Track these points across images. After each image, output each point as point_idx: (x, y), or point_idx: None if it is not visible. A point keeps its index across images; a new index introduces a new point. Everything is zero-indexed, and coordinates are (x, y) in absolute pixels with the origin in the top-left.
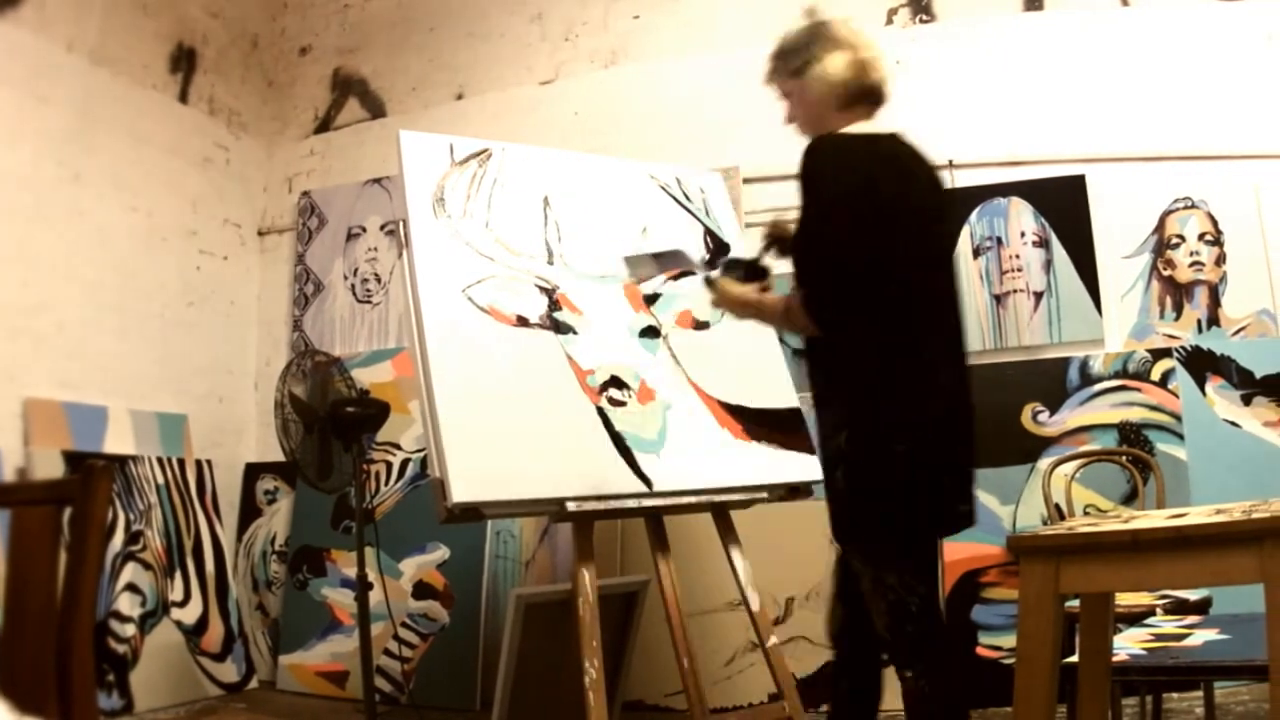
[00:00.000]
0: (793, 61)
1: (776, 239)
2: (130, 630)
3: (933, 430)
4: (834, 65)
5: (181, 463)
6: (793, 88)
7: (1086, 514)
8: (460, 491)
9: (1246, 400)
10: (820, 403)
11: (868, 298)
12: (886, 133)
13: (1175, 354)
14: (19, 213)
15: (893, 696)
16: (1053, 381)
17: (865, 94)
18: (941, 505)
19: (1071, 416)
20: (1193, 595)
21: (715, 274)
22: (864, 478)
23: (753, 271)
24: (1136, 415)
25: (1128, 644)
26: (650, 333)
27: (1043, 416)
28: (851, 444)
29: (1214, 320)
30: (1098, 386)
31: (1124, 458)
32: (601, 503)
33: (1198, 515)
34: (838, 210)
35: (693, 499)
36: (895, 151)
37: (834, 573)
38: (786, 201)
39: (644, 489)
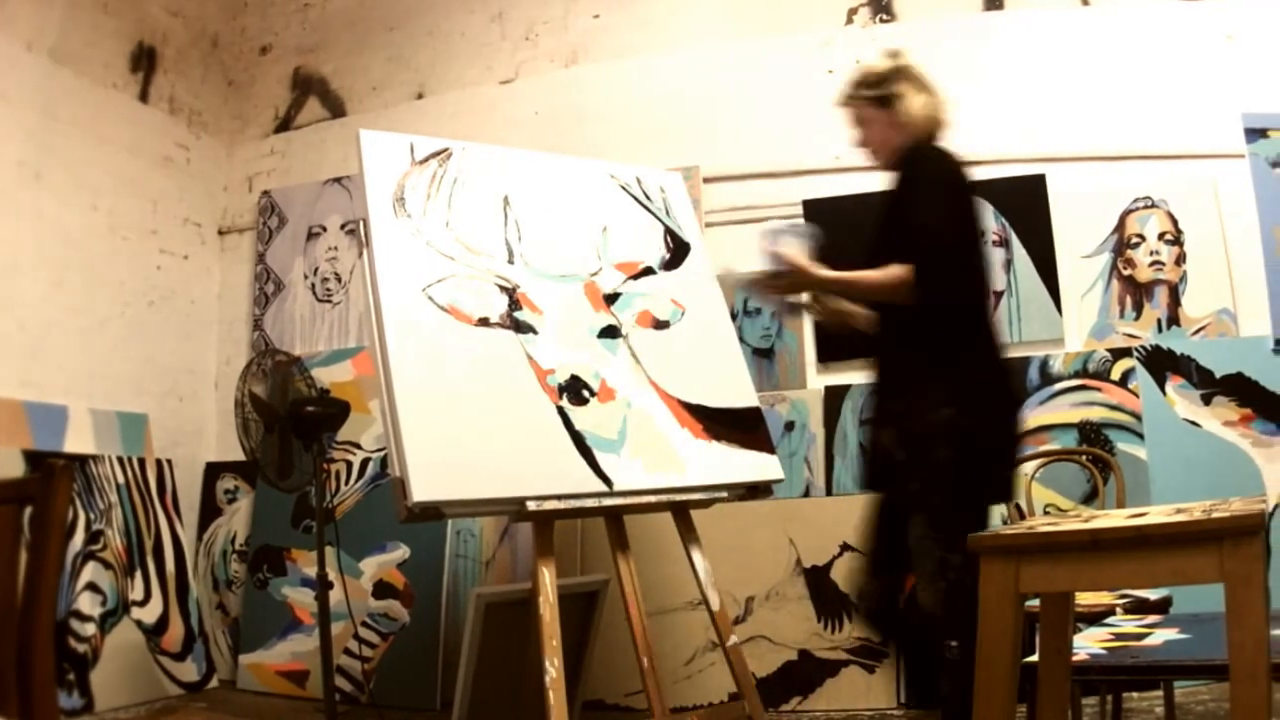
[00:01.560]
0: (875, 90)
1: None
2: (90, 629)
3: (1006, 415)
4: (922, 104)
5: (142, 462)
6: (874, 117)
7: (1047, 513)
8: (420, 490)
9: (1206, 400)
10: (920, 381)
11: (967, 278)
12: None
13: (1135, 353)
14: None
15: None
16: (1013, 381)
17: (941, 129)
18: (1005, 484)
19: (1031, 416)
20: (1153, 595)
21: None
22: (974, 450)
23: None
24: (1096, 415)
25: (1088, 643)
26: (610, 332)
27: None
28: (965, 416)
29: (1174, 320)
30: (1058, 386)
31: (1084, 457)
32: (561, 502)
33: (1158, 515)
34: (949, 201)
35: (653, 498)
36: (962, 164)
37: (870, 547)
38: (746, 201)
39: (604, 488)
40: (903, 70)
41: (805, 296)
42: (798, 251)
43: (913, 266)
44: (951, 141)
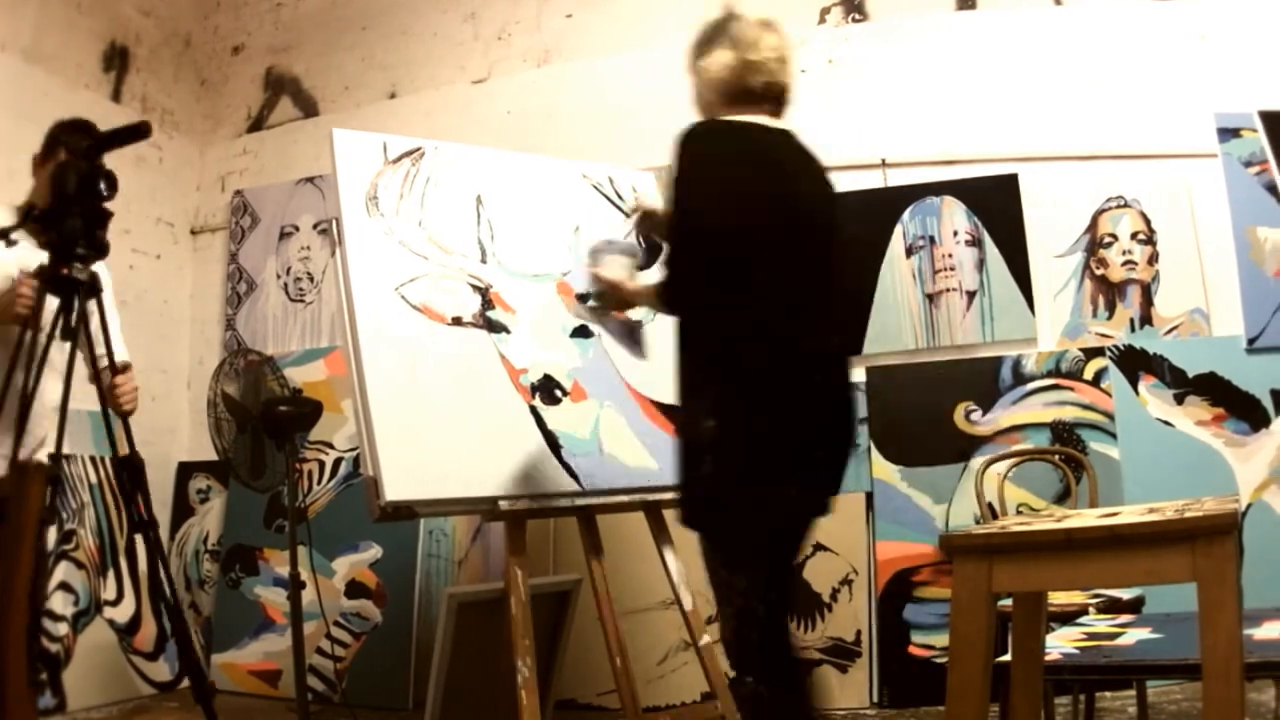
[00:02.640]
0: (693, 52)
1: (645, 217)
2: (63, 629)
3: (789, 420)
4: (715, 62)
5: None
6: (690, 79)
7: (1019, 513)
8: (393, 490)
9: (1179, 399)
10: (690, 390)
11: (721, 283)
12: (764, 125)
13: (1108, 353)
14: None
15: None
16: (985, 381)
17: (747, 93)
18: (805, 501)
19: (1004, 416)
20: (1125, 594)
21: (599, 269)
22: (732, 467)
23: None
24: (1069, 414)
25: (1060, 643)
26: (583, 332)
27: (975, 416)
28: (714, 436)
29: (1147, 319)
30: (1030, 385)
31: (1057, 457)
32: (534, 502)
33: (1130, 514)
34: (692, 195)
35: (625, 498)
36: (767, 142)
37: None
38: None
39: (576, 488)
40: (722, 25)
41: (635, 312)
42: (619, 268)
43: (663, 275)
44: (774, 110)
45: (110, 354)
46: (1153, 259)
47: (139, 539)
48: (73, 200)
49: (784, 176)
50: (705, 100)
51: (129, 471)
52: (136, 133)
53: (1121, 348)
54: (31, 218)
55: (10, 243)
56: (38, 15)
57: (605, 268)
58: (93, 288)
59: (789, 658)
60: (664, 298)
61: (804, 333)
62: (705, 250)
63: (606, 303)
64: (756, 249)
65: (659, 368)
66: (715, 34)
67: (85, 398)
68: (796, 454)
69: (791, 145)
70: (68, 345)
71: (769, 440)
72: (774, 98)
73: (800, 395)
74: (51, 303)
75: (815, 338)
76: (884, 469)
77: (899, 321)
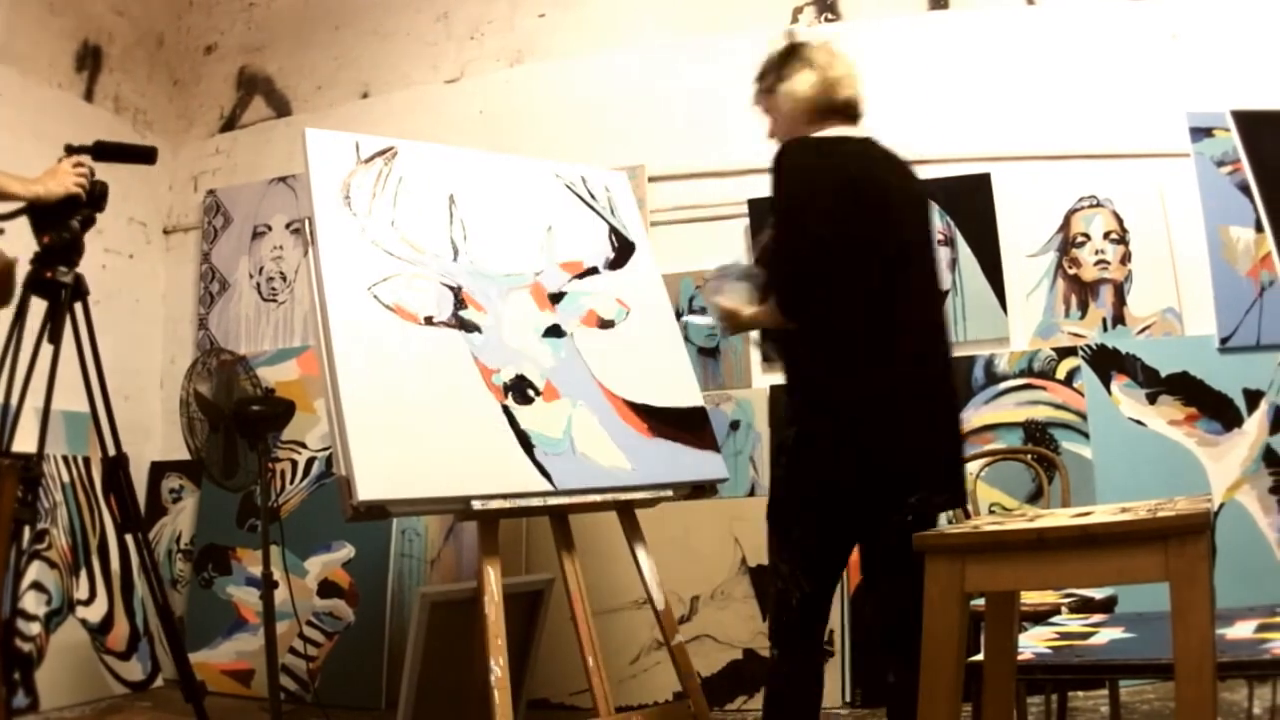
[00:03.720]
0: (767, 80)
1: (729, 316)
2: (36, 629)
3: (869, 435)
4: (801, 83)
5: (87, 461)
6: (767, 104)
7: (992, 513)
8: (366, 489)
9: (1152, 399)
10: (787, 392)
11: (818, 294)
12: (855, 135)
13: (1080, 353)
14: None
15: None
16: (958, 380)
17: (834, 109)
18: (866, 514)
19: (977, 415)
20: (1098, 594)
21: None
22: (796, 472)
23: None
24: (1042, 414)
25: (1033, 642)
26: (555, 332)
27: None
28: (796, 439)
29: (1119, 319)
30: (1003, 385)
31: (1029, 456)
32: (506, 501)
33: (1103, 514)
34: (793, 210)
35: (598, 497)
36: (859, 151)
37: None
38: (691, 200)
39: (549, 487)
40: (792, 50)
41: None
42: (737, 294)
43: (773, 298)
44: (853, 122)
45: None
46: (1125, 258)
47: (111, 538)
48: (78, 205)
49: (877, 181)
50: (790, 121)
51: (121, 471)
52: (144, 155)
53: (1094, 347)
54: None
55: None
56: (9, 14)
57: (724, 295)
58: (77, 290)
59: (814, 643)
60: (781, 305)
61: (908, 347)
62: (814, 256)
63: (726, 329)
64: (860, 253)
65: (632, 368)
66: (788, 59)
67: (60, 399)
68: (864, 459)
69: (879, 151)
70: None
71: (845, 454)
72: (854, 111)
73: (886, 401)
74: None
75: (927, 354)
76: None
77: None
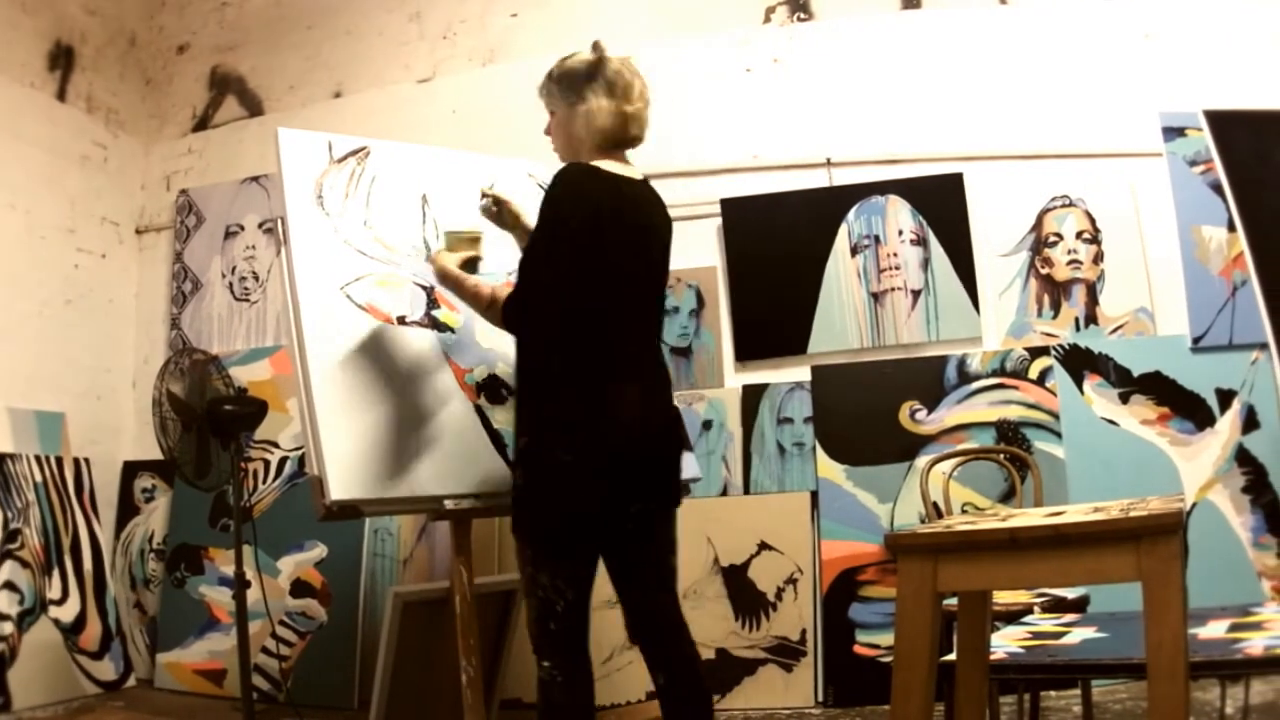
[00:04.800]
0: (565, 90)
1: (495, 201)
2: (8, 628)
3: (600, 444)
4: (600, 112)
5: (59, 460)
6: (559, 112)
7: (964, 512)
8: (338, 489)
9: (1124, 398)
10: (518, 405)
11: (561, 315)
12: (630, 177)
13: (1053, 352)
14: None
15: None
16: (930, 380)
17: (620, 143)
18: (606, 517)
19: (949, 415)
20: (1070, 593)
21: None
22: (535, 482)
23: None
24: (1014, 413)
25: (1005, 642)
26: None
27: (920, 415)
28: (527, 448)
29: (1092, 318)
30: (975, 385)
31: (1002, 456)
32: (479, 501)
33: (1075, 514)
34: (560, 235)
35: None
36: (633, 194)
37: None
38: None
39: None
40: (599, 67)
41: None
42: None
43: (510, 295)
44: (631, 154)
45: None
46: (1098, 258)
47: (84, 538)
48: None
49: (644, 236)
50: (575, 144)
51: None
52: None
53: (1066, 347)
54: None
55: None
56: None
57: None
58: None
59: (585, 648)
60: (505, 311)
61: (633, 376)
62: (553, 286)
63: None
64: (605, 300)
65: None
66: (589, 76)
67: (36, 398)
68: (595, 472)
69: (650, 199)
70: None
71: (569, 461)
72: (635, 145)
73: (607, 422)
74: None
75: (651, 386)
76: (829, 468)
77: (844, 321)
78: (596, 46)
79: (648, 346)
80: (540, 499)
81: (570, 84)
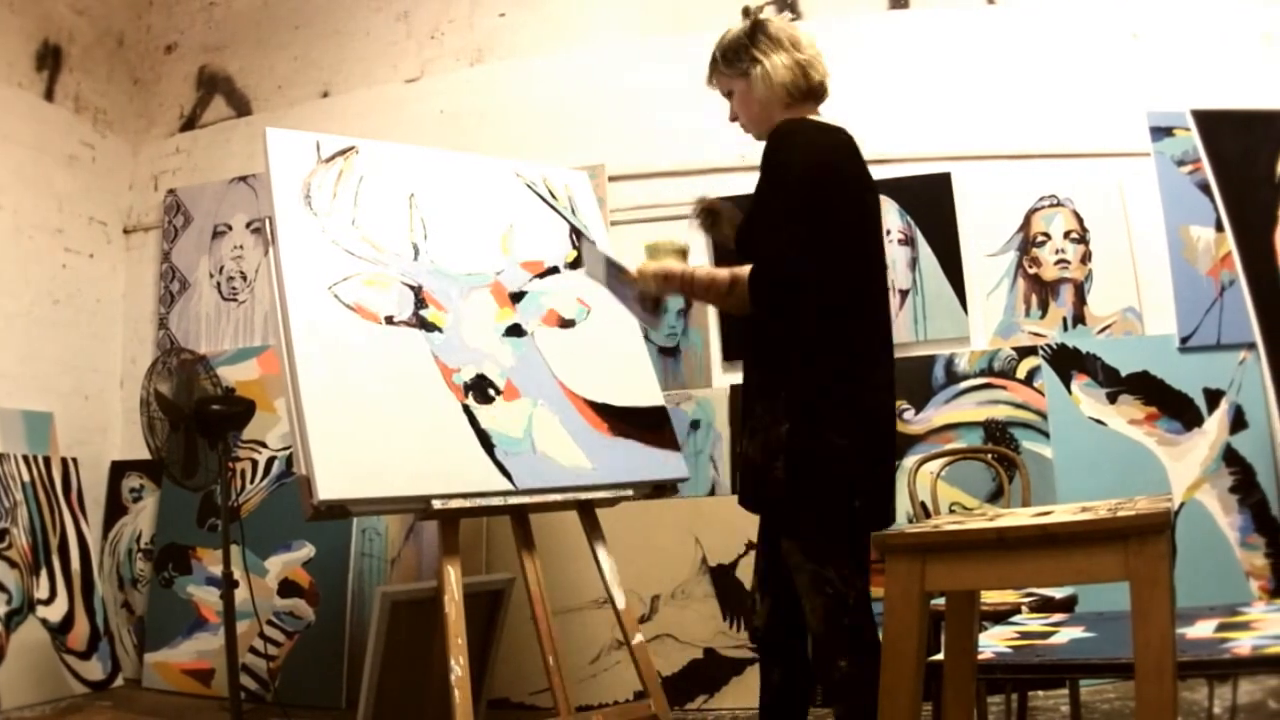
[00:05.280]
0: (735, 62)
1: (709, 212)
2: None
3: (872, 426)
4: (777, 68)
5: (47, 460)
6: (736, 87)
7: (952, 512)
8: (326, 489)
9: (1112, 398)
10: (760, 393)
11: (817, 286)
12: (837, 125)
13: (1041, 352)
14: None
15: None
16: (918, 379)
17: (809, 93)
18: (879, 501)
19: (937, 414)
20: (1058, 593)
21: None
22: (807, 471)
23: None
24: (1002, 413)
25: (993, 642)
26: (516, 331)
27: (908, 414)
28: (794, 436)
29: (1080, 318)
30: (963, 384)
31: (990, 455)
32: (467, 500)
33: (1063, 513)
34: (802, 194)
35: (558, 497)
36: (848, 143)
37: (756, 566)
38: (652, 199)
39: (509, 487)
40: (757, 29)
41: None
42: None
43: (754, 270)
44: (827, 104)
45: None
46: (1086, 258)
47: (72, 537)
48: None
49: (865, 179)
50: (764, 106)
51: None
52: None
53: (1054, 347)
54: None
55: None
56: None
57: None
58: None
59: (877, 643)
60: (757, 285)
61: (883, 347)
62: (805, 253)
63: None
64: (852, 259)
65: (593, 367)
66: (756, 39)
67: (24, 398)
68: (870, 463)
69: (857, 148)
70: None
71: (844, 445)
72: (825, 95)
73: (875, 407)
74: None
75: (890, 354)
76: None
77: None
78: (748, 11)
79: (888, 322)
80: (819, 490)
81: (737, 54)
